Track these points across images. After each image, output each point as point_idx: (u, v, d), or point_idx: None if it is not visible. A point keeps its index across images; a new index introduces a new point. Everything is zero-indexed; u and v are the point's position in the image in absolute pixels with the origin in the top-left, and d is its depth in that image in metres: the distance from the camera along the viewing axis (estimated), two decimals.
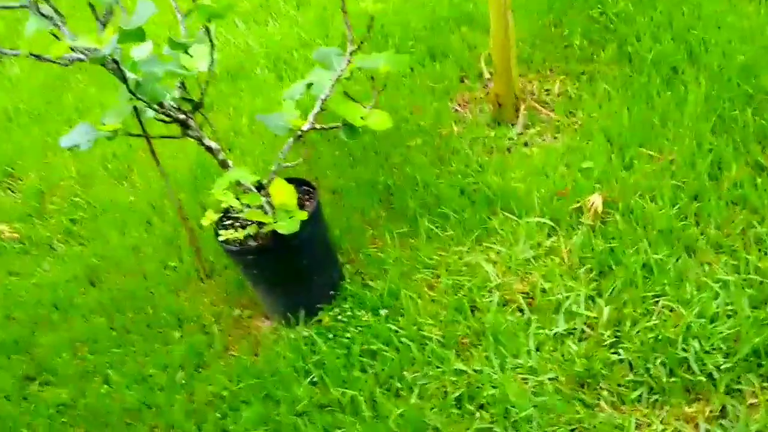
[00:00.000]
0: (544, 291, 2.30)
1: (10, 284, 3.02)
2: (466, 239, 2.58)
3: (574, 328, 2.17)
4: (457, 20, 3.78)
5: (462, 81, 3.47)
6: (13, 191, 3.66)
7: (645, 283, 2.21)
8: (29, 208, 3.45)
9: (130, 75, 2.08)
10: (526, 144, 2.98)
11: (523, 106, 3.08)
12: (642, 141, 2.68)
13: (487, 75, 3.42)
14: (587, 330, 2.16)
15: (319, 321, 2.49)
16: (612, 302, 2.19)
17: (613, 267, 2.29)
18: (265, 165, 3.12)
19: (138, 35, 1.94)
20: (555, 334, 2.17)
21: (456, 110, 3.29)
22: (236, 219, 2.48)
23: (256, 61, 4.01)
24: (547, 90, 3.25)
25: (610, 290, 2.22)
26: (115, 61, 1.97)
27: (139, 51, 2.16)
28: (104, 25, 2.18)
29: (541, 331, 2.19)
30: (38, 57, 2.18)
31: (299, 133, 2.40)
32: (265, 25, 4.42)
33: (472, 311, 2.33)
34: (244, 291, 2.68)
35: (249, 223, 2.42)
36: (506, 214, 2.62)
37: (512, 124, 3.10)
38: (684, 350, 2.00)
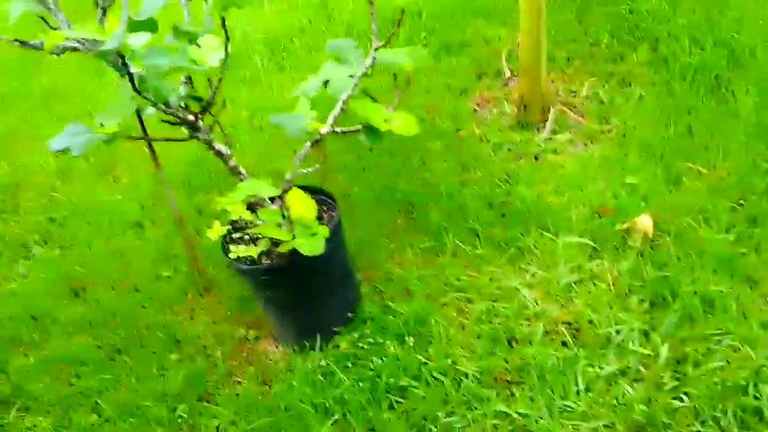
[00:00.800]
0: (590, 322, 2.08)
1: None
2: (498, 258, 2.35)
3: (628, 367, 1.96)
4: (473, 11, 3.53)
5: (480, 78, 3.23)
6: None
7: (705, 318, 2.01)
8: (1, 204, 3.13)
9: (133, 69, 1.79)
10: (555, 151, 2.75)
11: (552, 109, 2.85)
12: (688, 155, 2.47)
13: (507, 72, 3.18)
14: (642, 370, 1.95)
15: (336, 346, 2.24)
16: (669, 339, 1.99)
17: (668, 298, 2.08)
18: (271, 165, 2.84)
19: (149, 26, 1.66)
20: (606, 373, 1.95)
21: (475, 110, 3.05)
22: (244, 230, 2.22)
23: (253, 48, 3.70)
24: (573, 92, 3.03)
25: (666, 325, 2.01)
26: (121, 56, 1.67)
27: (138, 39, 1.87)
28: (104, 11, 1.89)
29: (590, 368, 1.97)
30: (23, 43, 1.89)
31: (318, 137, 2.14)
32: (261, 7, 4.11)
33: (509, 343, 2.11)
34: (249, 308, 2.41)
35: (259, 236, 2.16)
36: (541, 231, 2.39)
37: (538, 128, 2.88)
38: (756, 398, 1.80)
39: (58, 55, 1.90)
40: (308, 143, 2.14)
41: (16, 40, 1.84)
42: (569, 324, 2.11)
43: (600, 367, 1.97)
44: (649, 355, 1.97)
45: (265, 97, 3.26)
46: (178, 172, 2.94)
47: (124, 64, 1.70)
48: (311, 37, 3.67)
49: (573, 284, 2.21)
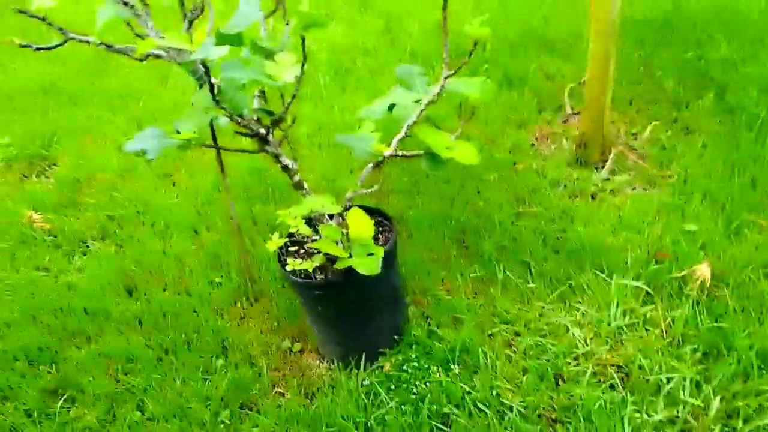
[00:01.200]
0: (641, 367, 2.06)
1: (38, 280, 2.78)
2: (549, 294, 2.34)
3: (677, 416, 1.93)
4: (538, 44, 3.54)
5: (540, 112, 3.24)
6: (46, 177, 3.43)
7: (759, 373, 1.97)
8: (63, 198, 3.22)
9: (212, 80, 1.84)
10: (613, 192, 2.73)
11: (612, 150, 2.84)
12: (752, 207, 2.44)
13: (568, 109, 3.19)
14: (692, 420, 1.92)
15: (380, 367, 2.25)
16: (721, 391, 1.95)
17: (722, 350, 2.05)
18: (327, 182, 2.88)
19: (236, 40, 1.71)
20: (655, 420, 1.93)
21: (534, 144, 3.06)
22: (300, 244, 2.25)
23: (316, 66, 3.77)
24: (635, 134, 3.02)
25: (719, 377, 1.98)
26: (206, 67, 1.73)
27: (217, 51, 1.92)
28: (191, 23, 1.96)
29: (638, 414, 1.95)
30: (109, 47, 1.96)
31: (381, 159, 2.17)
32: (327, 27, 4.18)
33: (556, 380, 2.09)
34: (295, 320, 2.44)
35: (314, 250, 2.20)
36: (595, 271, 2.38)
37: (597, 167, 2.87)
38: None
39: (143, 60, 1.97)
40: (370, 164, 2.17)
41: (102, 43, 1.91)
42: (619, 367, 2.09)
43: (648, 414, 1.95)
44: (699, 406, 1.94)
45: (326, 116, 3.31)
46: (237, 181, 3.00)
47: (208, 75, 1.76)
48: (374, 60, 3.73)
49: (624, 327, 2.19)
